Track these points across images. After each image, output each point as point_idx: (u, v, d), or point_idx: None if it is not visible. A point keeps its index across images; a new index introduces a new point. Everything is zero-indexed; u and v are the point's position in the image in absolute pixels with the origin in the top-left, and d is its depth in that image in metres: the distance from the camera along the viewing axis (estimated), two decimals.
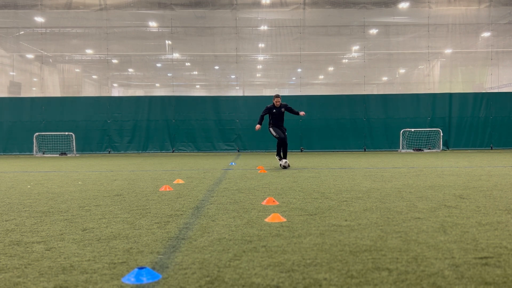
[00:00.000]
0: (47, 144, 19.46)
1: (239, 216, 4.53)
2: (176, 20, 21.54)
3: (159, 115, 20.17)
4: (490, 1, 21.06)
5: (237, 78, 24.30)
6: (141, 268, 2.65)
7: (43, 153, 19.25)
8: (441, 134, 19.38)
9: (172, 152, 20.03)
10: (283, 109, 11.11)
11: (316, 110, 20.03)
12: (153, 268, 2.80)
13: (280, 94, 11.62)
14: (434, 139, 19.57)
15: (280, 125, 11.17)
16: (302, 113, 11.15)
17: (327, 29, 22.79)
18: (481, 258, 2.98)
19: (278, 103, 11.05)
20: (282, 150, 10.91)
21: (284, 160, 10.72)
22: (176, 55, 23.89)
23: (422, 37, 21.72)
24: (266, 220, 4.29)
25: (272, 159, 14.62)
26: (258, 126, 10.88)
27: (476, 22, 21.90)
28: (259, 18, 22.12)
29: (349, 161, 13.20)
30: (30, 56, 24.20)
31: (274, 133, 11.01)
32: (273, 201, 5.32)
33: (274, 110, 11.08)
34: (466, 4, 21.41)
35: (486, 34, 22.21)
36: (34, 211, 5.01)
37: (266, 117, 11.22)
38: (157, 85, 29.63)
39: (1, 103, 19.99)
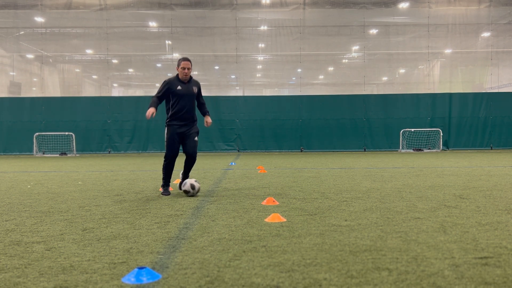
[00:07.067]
0: (47, 144, 19.45)
1: (239, 216, 4.53)
2: (176, 20, 21.53)
3: (159, 115, 20.12)
4: (490, 1, 21.05)
5: (237, 78, 24.31)
6: (141, 268, 2.65)
7: (43, 153, 19.24)
8: (441, 134, 19.38)
9: None
10: (195, 88, 6.24)
11: (316, 110, 20.02)
12: (153, 268, 2.80)
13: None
14: (434, 139, 19.56)
15: (187, 120, 6.19)
16: (207, 120, 6.44)
17: (327, 29, 22.79)
18: (481, 258, 2.98)
19: (187, 71, 6.06)
20: (168, 169, 6.16)
21: (188, 182, 5.91)
22: (176, 55, 23.86)
23: (422, 37, 21.72)
24: (266, 220, 4.29)
25: (273, 159, 14.55)
26: (151, 109, 6.01)
27: (476, 22, 21.90)
28: (259, 18, 22.12)
29: (349, 161, 13.19)
30: (30, 56, 24.19)
31: (166, 139, 6.23)
32: (273, 201, 5.32)
33: (179, 88, 6.10)
34: (466, 4, 21.40)
35: (486, 34, 22.21)
36: (34, 211, 5.01)
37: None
38: (157, 85, 29.59)
39: (1, 103, 19.98)
